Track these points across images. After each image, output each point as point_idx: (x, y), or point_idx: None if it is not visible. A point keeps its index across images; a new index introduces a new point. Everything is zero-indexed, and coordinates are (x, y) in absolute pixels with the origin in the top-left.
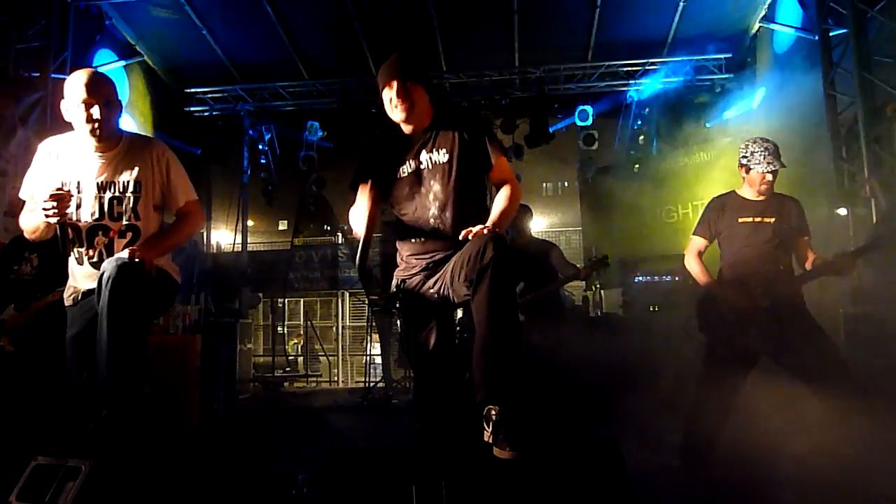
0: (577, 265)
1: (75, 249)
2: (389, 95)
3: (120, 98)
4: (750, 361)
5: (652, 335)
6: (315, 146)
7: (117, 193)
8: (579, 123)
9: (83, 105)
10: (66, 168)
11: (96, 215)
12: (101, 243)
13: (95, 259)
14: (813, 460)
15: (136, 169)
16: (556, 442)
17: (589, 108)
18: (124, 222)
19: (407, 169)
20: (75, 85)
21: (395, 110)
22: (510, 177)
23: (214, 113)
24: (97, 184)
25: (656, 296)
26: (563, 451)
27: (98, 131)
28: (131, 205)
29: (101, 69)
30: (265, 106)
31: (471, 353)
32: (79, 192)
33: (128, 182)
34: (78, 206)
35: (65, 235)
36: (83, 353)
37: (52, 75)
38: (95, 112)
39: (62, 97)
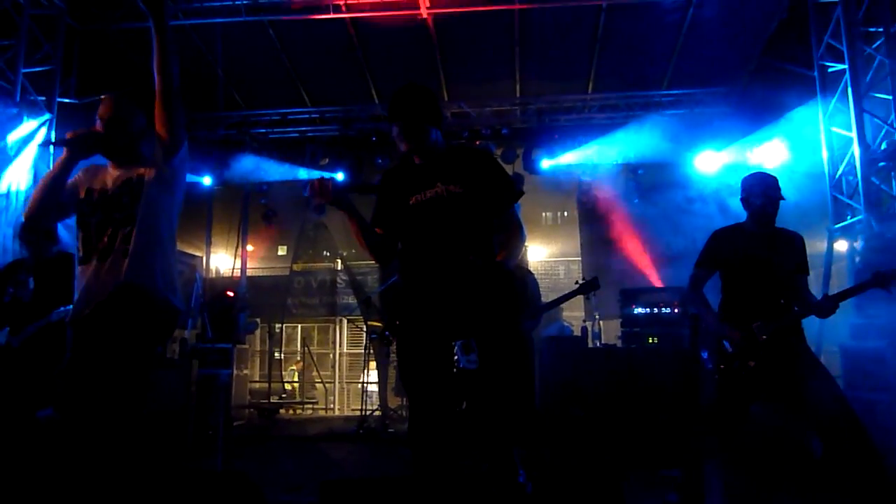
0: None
1: (84, 251)
2: (395, 132)
3: (138, 120)
4: (751, 396)
5: (650, 368)
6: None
7: (124, 189)
8: (579, 157)
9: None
10: (86, 177)
11: (107, 210)
12: (107, 236)
13: (104, 251)
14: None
15: (142, 166)
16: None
17: (590, 139)
18: (125, 213)
19: (418, 198)
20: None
21: (400, 144)
22: (517, 222)
23: (218, 138)
24: (110, 188)
25: (656, 328)
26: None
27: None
28: (133, 195)
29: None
30: (267, 132)
31: (469, 384)
32: (96, 197)
33: (132, 177)
34: (93, 210)
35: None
36: (78, 377)
37: (59, 99)
38: (100, 126)
39: (69, 121)
